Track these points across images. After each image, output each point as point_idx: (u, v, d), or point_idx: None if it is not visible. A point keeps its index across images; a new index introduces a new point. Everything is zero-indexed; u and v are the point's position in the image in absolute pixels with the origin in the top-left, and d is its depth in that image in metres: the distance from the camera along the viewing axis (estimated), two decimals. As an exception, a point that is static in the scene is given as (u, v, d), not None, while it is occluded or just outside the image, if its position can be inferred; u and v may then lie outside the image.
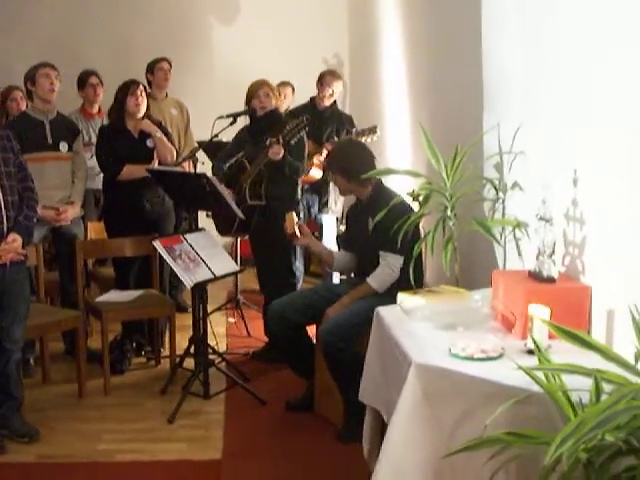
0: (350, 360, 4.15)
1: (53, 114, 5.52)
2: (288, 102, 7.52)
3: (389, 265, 4.45)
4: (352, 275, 5.10)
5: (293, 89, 7.68)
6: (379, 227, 4.21)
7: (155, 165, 5.65)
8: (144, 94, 5.63)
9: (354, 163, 4.62)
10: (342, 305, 4.50)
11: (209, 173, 5.24)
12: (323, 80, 7.12)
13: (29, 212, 4.34)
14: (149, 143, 5.65)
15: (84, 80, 6.74)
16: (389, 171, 4.54)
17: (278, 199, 5.49)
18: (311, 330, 4.81)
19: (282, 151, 5.30)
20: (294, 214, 4.88)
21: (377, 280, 4.49)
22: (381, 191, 4.63)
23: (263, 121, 5.60)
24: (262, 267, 5.90)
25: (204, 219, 6.08)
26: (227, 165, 5.66)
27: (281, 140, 5.27)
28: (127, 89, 5.57)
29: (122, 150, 5.58)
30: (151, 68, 7.10)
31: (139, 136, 5.64)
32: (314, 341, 4.76)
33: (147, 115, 5.70)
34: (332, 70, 7.44)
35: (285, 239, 5.07)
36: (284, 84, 7.46)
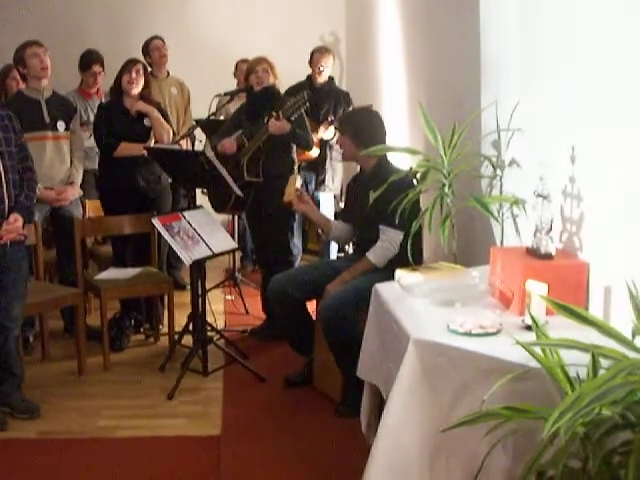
0: (349, 336, 4.17)
1: (49, 92, 5.50)
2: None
3: (389, 240, 4.46)
4: (349, 248, 5.10)
5: None
6: (380, 201, 4.17)
7: (152, 144, 5.65)
8: (141, 72, 5.62)
9: (368, 131, 4.61)
10: (342, 281, 4.51)
11: (207, 151, 5.24)
12: (312, 58, 7.21)
13: (29, 192, 4.37)
14: (146, 122, 5.65)
15: (87, 65, 6.70)
16: (387, 148, 4.54)
17: (275, 176, 5.50)
18: (311, 306, 4.83)
19: (288, 125, 5.30)
20: (297, 178, 4.87)
21: (376, 255, 4.50)
22: (385, 166, 4.62)
23: (260, 97, 5.60)
24: (259, 244, 5.92)
25: (199, 196, 6.09)
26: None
27: (281, 116, 5.27)
28: (124, 67, 5.58)
29: (119, 128, 5.60)
30: (146, 49, 7.06)
31: (136, 115, 5.65)
32: (314, 317, 4.78)
33: (146, 95, 5.69)
34: (321, 46, 7.44)
35: (281, 216, 5.09)
36: None
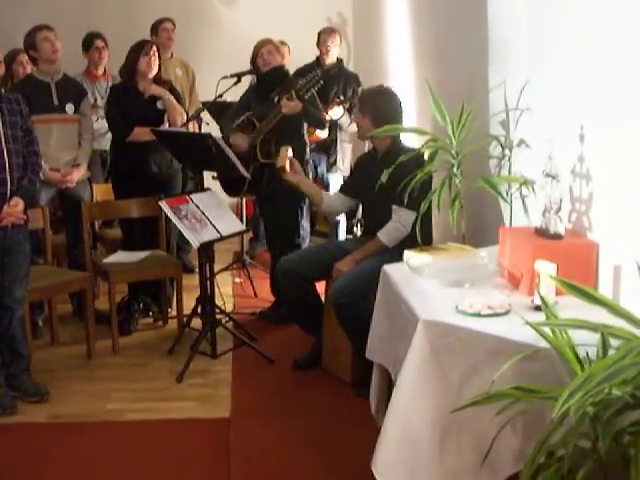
0: (361, 318, 4.15)
1: (59, 75, 5.50)
2: (284, 62, 7.51)
3: (400, 220, 4.45)
4: (357, 230, 5.07)
5: (289, 49, 7.64)
6: (392, 181, 4.16)
7: (165, 127, 5.64)
8: (157, 54, 5.60)
9: (388, 112, 4.60)
10: (353, 259, 4.51)
11: (214, 133, 5.21)
12: (319, 39, 7.26)
13: (33, 176, 4.37)
14: (159, 105, 5.63)
15: (89, 42, 6.70)
16: (396, 129, 4.52)
17: None
18: (320, 287, 4.84)
19: (300, 104, 5.28)
20: (289, 149, 4.87)
21: (387, 235, 4.50)
22: (398, 146, 4.62)
23: (269, 78, 5.57)
24: (269, 226, 5.91)
25: (210, 181, 6.08)
26: (235, 124, 5.64)
27: (294, 95, 5.24)
28: (140, 49, 5.54)
29: (132, 112, 5.57)
30: (155, 29, 7.07)
31: (149, 98, 5.62)
32: (322, 298, 4.78)
33: (158, 77, 5.67)
34: (326, 27, 7.45)
35: (292, 198, 5.07)
36: (281, 43, 7.44)
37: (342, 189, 5.09)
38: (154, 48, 5.59)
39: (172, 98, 5.64)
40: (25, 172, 4.32)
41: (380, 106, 4.63)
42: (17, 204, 4.24)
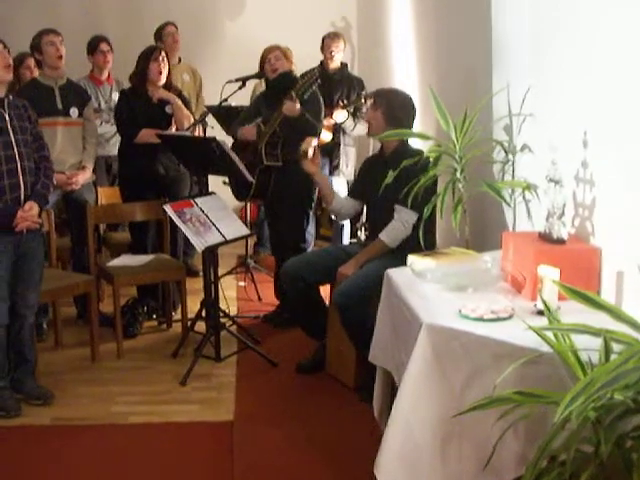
0: (365, 322, 4.15)
1: (63, 80, 5.53)
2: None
3: (401, 220, 4.46)
4: (362, 234, 5.08)
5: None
6: (397, 183, 4.19)
7: (172, 130, 5.66)
8: (166, 60, 5.64)
9: (402, 111, 4.61)
10: (357, 262, 4.51)
11: (218, 137, 5.22)
12: (323, 43, 7.29)
13: (46, 180, 4.38)
14: (168, 109, 5.66)
15: (94, 46, 6.70)
16: (399, 133, 4.52)
17: (294, 161, 5.46)
18: (324, 291, 4.84)
19: (298, 106, 5.28)
20: (315, 140, 4.87)
21: (389, 235, 4.50)
22: (406, 147, 4.63)
23: (277, 83, 5.57)
24: (275, 230, 5.92)
25: (220, 186, 6.08)
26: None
27: (294, 96, 5.24)
28: (150, 55, 5.58)
29: (141, 115, 5.62)
30: (159, 35, 7.09)
31: (158, 102, 5.66)
32: (326, 302, 4.78)
33: (168, 82, 5.70)
34: (331, 32, 7.47)
35: (299, 202, 5.07)
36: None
37: (350, 192, 5.09)
38: (163, 54, 5.62)
39: (179, 102, 5.67)
40: (38, 176, 4.33)
41: (394, 104, 4.62)
42: (31, 208, 4.23)
